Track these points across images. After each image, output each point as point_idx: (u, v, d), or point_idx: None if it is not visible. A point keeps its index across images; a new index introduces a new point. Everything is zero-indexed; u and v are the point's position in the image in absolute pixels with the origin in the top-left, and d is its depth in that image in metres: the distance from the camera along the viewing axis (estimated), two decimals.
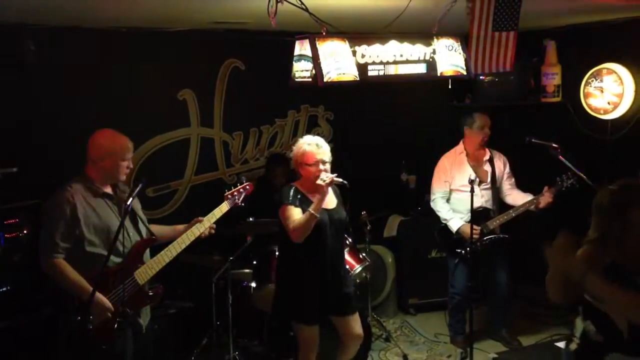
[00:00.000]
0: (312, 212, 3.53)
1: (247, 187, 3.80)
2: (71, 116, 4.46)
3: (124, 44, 4.65)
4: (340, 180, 3.65)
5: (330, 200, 3.76)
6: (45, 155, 4.33)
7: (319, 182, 3.56)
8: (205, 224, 3.52)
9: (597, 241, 2.48)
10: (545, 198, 4.56)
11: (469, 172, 4.69)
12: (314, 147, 3.66)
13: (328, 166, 3.67)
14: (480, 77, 5.71)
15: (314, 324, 3.75)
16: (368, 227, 4.97)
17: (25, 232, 3.93)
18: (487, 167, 4.88)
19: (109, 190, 3.32)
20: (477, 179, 4.64)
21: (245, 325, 4.68)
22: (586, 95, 5.14)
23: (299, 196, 3.68)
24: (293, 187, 3.72)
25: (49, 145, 4.37)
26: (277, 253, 4.45)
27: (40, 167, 4.23)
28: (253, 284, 4.43)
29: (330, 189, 3.70)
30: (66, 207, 3.12)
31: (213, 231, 3.57)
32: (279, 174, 5.11)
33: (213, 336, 4.50)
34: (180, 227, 3.56)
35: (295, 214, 3.61)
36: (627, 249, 2.42)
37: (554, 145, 4.52)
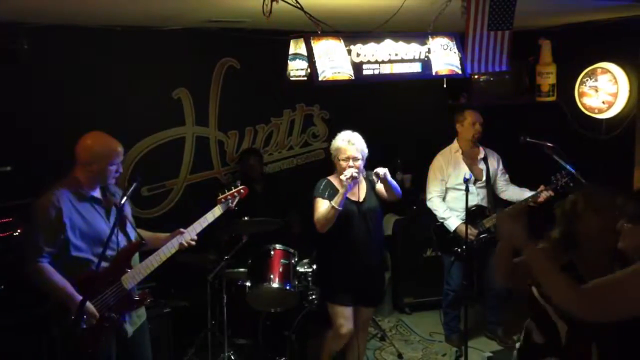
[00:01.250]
0: (333, 204, 3.73)
1: (242, 190, 3.75)
2: (66, 115, 4.45)
3: (119, 43, 4.63)
4: (358, 175, 3.78)
5: (361, 193, 3.93)
6: (40, 154, 4.30)
7: (341, 177, 3.77)
8: (187, 237, 3.43)
9: (557, 240, 2.52)
10: (545, 193, 4.55)
11: (464, 170, 4.70)
12: (346, 143, 3.86)
13: (360, 163, 3.85)
14: (476, 76, 5.72)
15: (345, 306, 3.92)
16: None
17: (19, 231, 3.91)
18: (482, 166, 4.89)
19: (97, 194, 3.23)
20: (472, 177, 4.66)
21: (240, 325, 4.67)
22: (581, 95, 5.15)
23: (329, 189, 3.89)
24: (325, 181, 3.95)
25: (43, 144, 4.35)
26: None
27: (35, 165, 4.21)
28: (248, 283, 4.42)
29: (364, 182, 3.95)
30: (52, 211, 3.03)
31: (193, 243, 3.47)
32: (253, 162, 5.20)
33: (208, 335, 4.49)
34: (162, 235, 3.48)
35: (321, 206, 3.83)
36: (581, 251, 2.46)
37: (548, 144, 4.54)
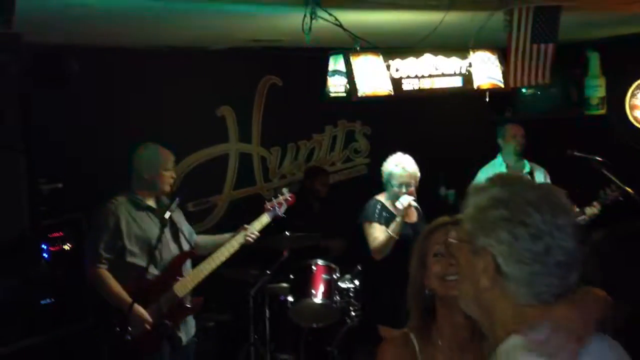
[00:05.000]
0: (392, 234, 3.64)
1: (289, 198, 3.81)
2: (113, 134, 4.56)
3: (166, 63, 4.75)
4: (416, 204, 3.74)
5: (413, 215, 3.86)
6: (89, 171, 4.43)
7: (397, 204, 3.67)
8: (240, 239, 3.56)
9: None
10: (589, 210, 4.41)
11: None
12: (400, 169, 3.77)
13: (413, 188, 3.78)
14: (521, 90, 5.62)
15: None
16: None
17: (69, 245, 4.03)
18: None
19: (152, 203, 3.44)
20: None
21: (282, 339, 4.67)
22: (632, 107, 5.01)
23: (384, 213, 3.79)
24: (378, 203, 3.83)
25: (92, 162, 4.47)
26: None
27: (83, 182, 4.33)
28: (290, 298, 4.43)
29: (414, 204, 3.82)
30: (110, 219, 3.25)
31: (251, 239, 3.59)
32: (318, 183, 5.20)
33: (250, 350, 4.51)
34: (225, 236, 3.62)
35: (377, 231, 3.72)
36: None
37: (597, 158, 4.40)
